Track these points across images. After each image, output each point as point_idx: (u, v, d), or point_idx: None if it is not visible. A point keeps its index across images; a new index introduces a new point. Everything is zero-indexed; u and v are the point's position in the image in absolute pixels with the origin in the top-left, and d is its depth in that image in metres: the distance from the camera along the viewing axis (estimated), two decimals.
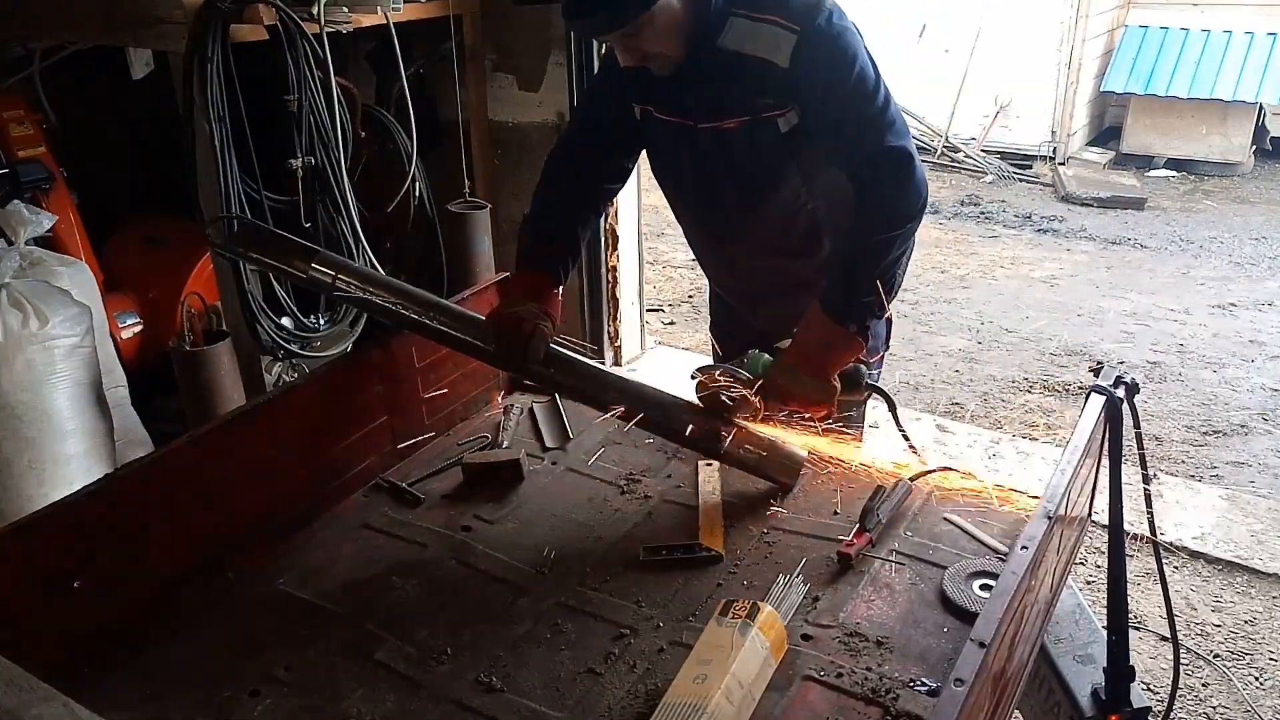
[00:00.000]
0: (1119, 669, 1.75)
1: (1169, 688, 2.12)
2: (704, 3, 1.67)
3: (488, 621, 1.46)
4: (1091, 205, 7.17)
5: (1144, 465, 1.77)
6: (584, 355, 1.87)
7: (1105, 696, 1.77)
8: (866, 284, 1.62)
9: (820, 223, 1.88)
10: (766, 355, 1.71)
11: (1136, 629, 2.73)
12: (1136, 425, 1.73)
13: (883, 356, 2.06)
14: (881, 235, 1.62)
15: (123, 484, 1.46)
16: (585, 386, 1.82)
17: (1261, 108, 7.86)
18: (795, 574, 1.49)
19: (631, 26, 1.62)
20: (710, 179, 1.87)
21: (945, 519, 1.65)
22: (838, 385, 1.67)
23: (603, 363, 4.18)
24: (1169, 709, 2.18)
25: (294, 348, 3.07)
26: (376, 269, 3.17)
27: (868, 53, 1.68)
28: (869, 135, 1.64)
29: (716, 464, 1.79)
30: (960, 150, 8.20)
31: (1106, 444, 1.70)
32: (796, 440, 1.77)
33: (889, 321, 2.10)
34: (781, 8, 1.66)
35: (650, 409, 1.75)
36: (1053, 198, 7.47)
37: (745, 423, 1.71)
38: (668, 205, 2.03)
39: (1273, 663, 2.67)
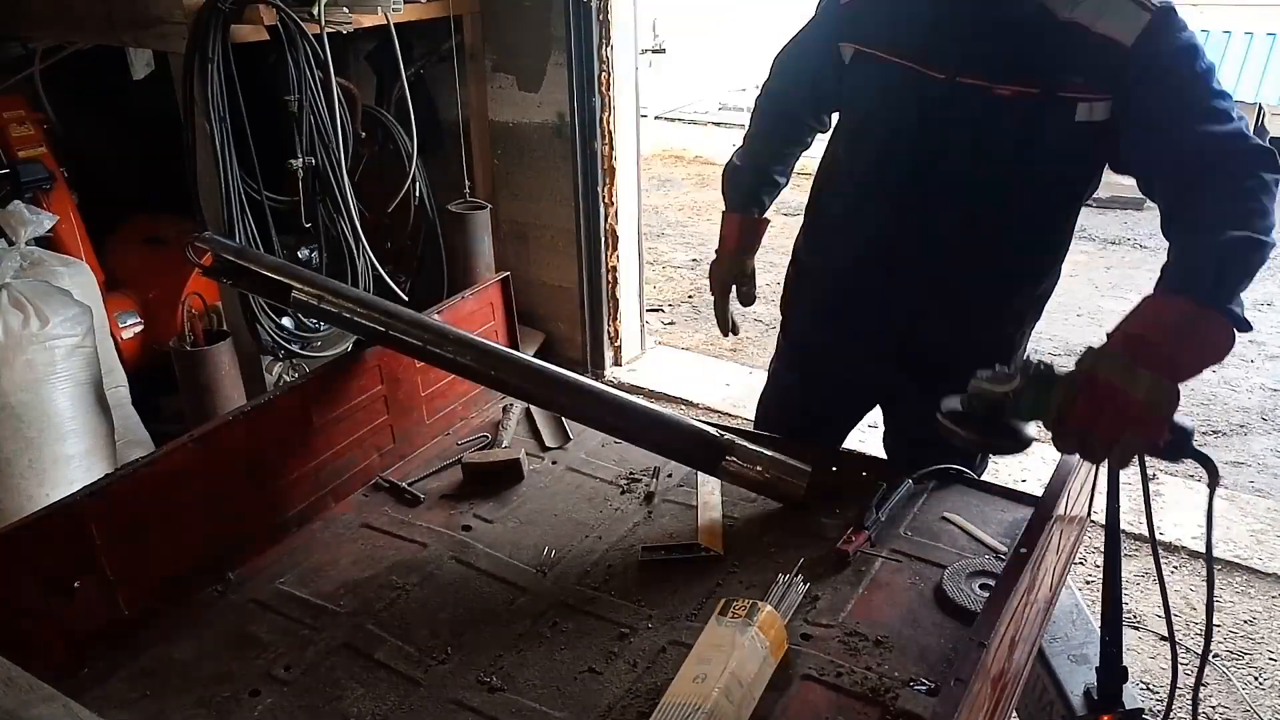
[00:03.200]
0: (1112, 670, 1.75)
1: (1168, 687, 2.12)
2: None
3: (488, 621, 1.46)
4: (1091, 205, 7.15)
5: (1144, 465, 1.77)
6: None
7: (1098, 697, 1.77)
8: (1239, 270, 1.42)
9: (1061, 246, 1.73)
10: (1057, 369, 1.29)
11: (1135, 629, 2.73)
12: None
13: None
14: (1246, 232, 1.41)
15: (123, 484, 1.46)
16: (585, 406, 1.77)
17: (1261, 108, 7.85)
18: (795, 574, 1.49)
19: None
20: (941, 148, 1.60)
21: (945, 519, 1.65)
22: (1179, 392, 1.22)
23: (602, 363, 4.19)
24: (1168, 709, 2.18)
25: (294, 348, 3.08)
26: (378, 269, 3.17)
27: None
28: (1213, 130, 1.41)
29: None
30: None
31: None
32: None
33: None
34: None
35: (653, 431, 1.70)
36: None
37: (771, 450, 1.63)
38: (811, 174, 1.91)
39: (1272, 662, 2.67)
